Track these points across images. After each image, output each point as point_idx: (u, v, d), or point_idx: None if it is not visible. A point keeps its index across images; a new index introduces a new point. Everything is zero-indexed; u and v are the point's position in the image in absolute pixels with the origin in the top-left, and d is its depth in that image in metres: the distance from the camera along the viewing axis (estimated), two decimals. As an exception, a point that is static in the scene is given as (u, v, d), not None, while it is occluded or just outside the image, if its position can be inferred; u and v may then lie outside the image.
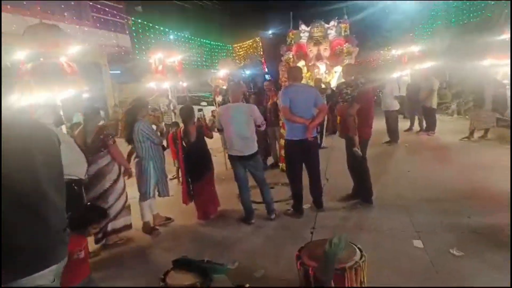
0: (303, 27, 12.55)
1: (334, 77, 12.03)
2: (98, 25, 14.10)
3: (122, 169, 3.90)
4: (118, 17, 15.27)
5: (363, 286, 2.31)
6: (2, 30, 8.39)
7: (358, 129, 4.12)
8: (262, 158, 5.70)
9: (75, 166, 2.98)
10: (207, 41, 23.56)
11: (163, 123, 7.99)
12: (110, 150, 3.70)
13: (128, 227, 3.97)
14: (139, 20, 16.87)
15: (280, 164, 6.24)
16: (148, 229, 4.11)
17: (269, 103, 6.46)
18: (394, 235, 3.51)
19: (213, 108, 8.89)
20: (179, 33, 20.16)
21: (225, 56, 23.71)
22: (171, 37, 19.15)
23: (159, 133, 4.39)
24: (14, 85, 3.92)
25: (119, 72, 16.63)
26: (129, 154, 4.54)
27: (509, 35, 6.71)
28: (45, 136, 1.62)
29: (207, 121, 5.03)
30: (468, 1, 17.10)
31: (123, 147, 4.20)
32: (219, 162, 6.31)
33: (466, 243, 3.19)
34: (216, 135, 4.74)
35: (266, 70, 27.72)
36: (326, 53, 12.12)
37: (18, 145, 1.46)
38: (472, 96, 8.54)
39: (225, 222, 4.29)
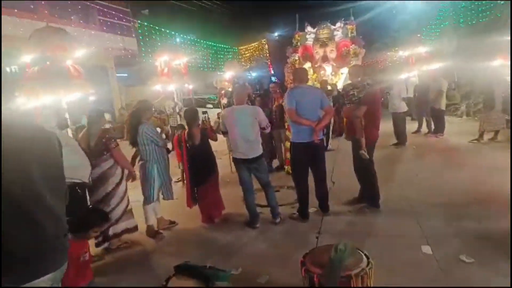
0: (309, 28, 12.52)
1: (340, 79, 11.97)
2: (104, 28, 14.24)
3: (125, 172, 3.88)
4: (124, 20, 15.41)
5: (370, 294, 2.24)
6: (10, 34, 8.50)
7: (365, 131, 4.07)
8: (267, 161, 5.67)
9: (78, 169, 2.98)
10: (213, 43, 23.67)
11: (169, 126, 8.01)
12: (112, 154, 3.68)
13: (132, 230, 3.93)
14: (146, 23, 17.02)
15: (286, 167, 6.19)
16: (152, 232, 4.09)
17: (275, 105, 6.42)
18: (402, 241, 3.43)
19: (218, 110, 8.87)
20: (185, 36, 20.32)
21: (231, 58, 23.77)
22: (177, 39, 19.30)
23: (164, 136, 4.37)
24: (21, 88, 3.95)
25: (125, 75, 16.78)
26: (134, 157, 4.53)
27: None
28: (44, 139, 1.59)
29: (213, 124, 5.00)
30: (476, 1, 16.88)
31: (128, 150, 4.19)
32: (224, 165, 6.27)
33: (477, 250, 3.09)
34: (221, 137, 4.71)
35: (272, 72, 27.76)
36: (332, 55, 12.08)
37: (11, 147, 1.41)
38: (481, 97, 8.40)
39: (229, 226, 4.24)
